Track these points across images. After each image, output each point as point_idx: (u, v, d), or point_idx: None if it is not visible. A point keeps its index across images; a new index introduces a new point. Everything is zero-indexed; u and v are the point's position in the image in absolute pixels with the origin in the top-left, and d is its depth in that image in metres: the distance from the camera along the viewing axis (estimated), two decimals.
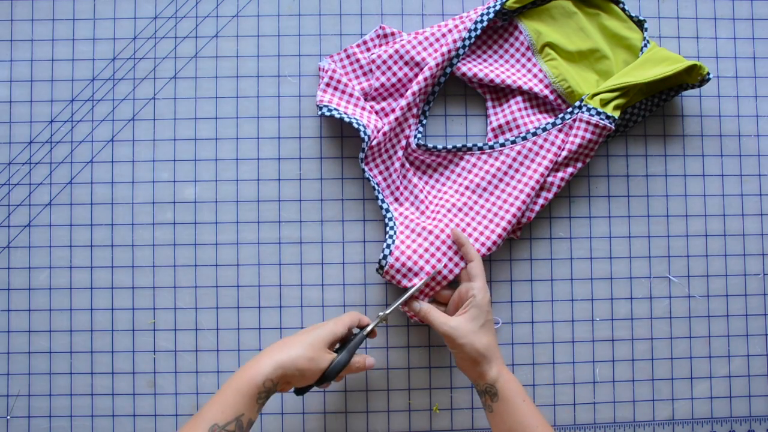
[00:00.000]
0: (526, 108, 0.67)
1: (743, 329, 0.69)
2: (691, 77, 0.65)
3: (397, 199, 0.67)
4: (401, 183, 0.66)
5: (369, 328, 0.59)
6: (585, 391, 0.68)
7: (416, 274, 0.63)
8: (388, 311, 0.60)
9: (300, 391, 0.56)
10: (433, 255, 0.63)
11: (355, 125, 0.63)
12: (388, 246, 0.64)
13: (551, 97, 0.67)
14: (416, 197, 0.66)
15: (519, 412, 0.55)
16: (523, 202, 0.64)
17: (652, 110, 0.69)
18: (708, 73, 0.64)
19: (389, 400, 0.67)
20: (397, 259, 0.62)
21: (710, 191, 0.70)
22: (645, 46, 0.66)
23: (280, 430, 0.66)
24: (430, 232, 0.63)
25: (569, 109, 0.65)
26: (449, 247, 0.63)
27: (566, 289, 0.69)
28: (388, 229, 0.65)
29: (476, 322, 0.57)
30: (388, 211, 0.66)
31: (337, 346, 0.58)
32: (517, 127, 0.66)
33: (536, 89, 0.66)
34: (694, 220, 0.70)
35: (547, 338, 0.68)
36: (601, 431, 0.68)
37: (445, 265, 0.63)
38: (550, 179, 0.65)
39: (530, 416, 0.55)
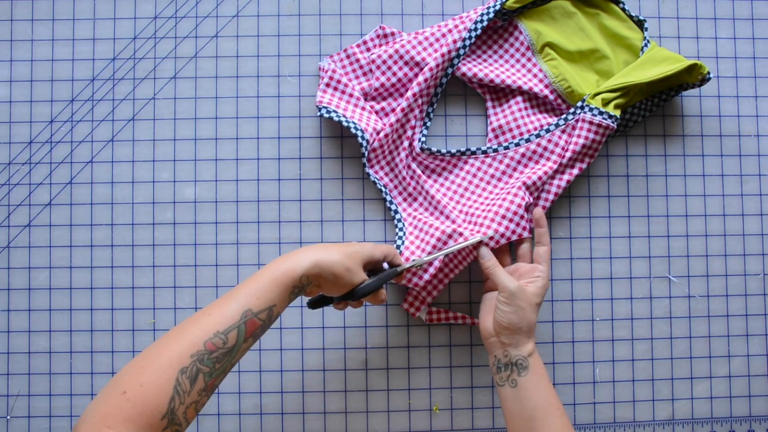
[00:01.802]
0: (526, 108, 0.67)
1: (743, 329, 0.69)
2: (691, 77, 0.65)
3: (405, 200, 0.67)
4: (408, 183, 0.66)
5: (401, 268, 0.58)
6: (585, 391, 0.68)
7: (425, 272, 0.63)
8: (426, 258, 0.59)
9: (315, 304, 0.56)
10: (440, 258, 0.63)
11: (353, 130, 0.63)
12: (398, 247, 0.64)
13: (551, 97, 0.67)
14: (425, 198, 0.66)
15: (547, 390, 0.55)
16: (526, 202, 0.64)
17: (652, 110, 0.69)
18: (708, 73, 0.64)
19: (389, 400, 0.67)
20: (407, 260, 0.63)
21: (710, 191, 0.70)
22: (645, 46, 0.66)
23: (280, 430, 0.67)
24: (434, 237, 0.63)
25: (571, 110, 0.65)
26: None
27: (566, 289, 0.69)
28: (397, 230, 0.65)
29: (536, 298, 0.58)
30: (396, 212, 0.66)
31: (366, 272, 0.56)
32: (518, 127, 0.66)
33: (536, 89, 0.66)
34: (694, 220, 0.70)
35: (547, 338, 0.68)
36: (601, 431, 0.68)
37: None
38: (556, 182, 0.65)
39: (555, 397, 0.56)
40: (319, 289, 0.53)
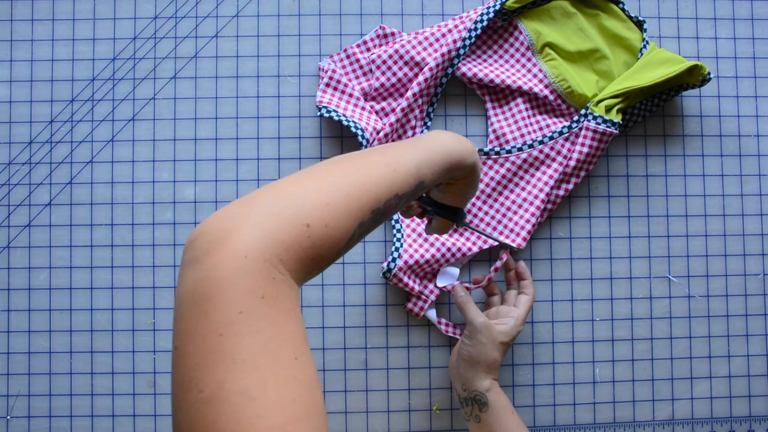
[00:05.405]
0: (526, 110, 0.67)
1: (743, 329, 0.69)
2: (691, 77, 0.65)
3: None
4: None
5: (461, 222, 0.53)
6: (585, 391, 0.68)
7: (422, 277, 0.64)
8: (473, 230, 0.58)
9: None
10: (438, 260, 0.63)
11: (353, 129, 0.63)
12: (397, 249, 0.64)
13: (551, 98, 0.67)
14: None
15: (509, 423, 0.57)
16: (531, 212, 0.64)
17: (652, 110, 0.69)
18: (709, 73, 0.64)
19: (389, 400, 0.67)
20: (405, 262, 0.63)
21: (710, 191, 0.70)
22: (644, 46, 0.66)
23: None
24: (437, 239, 0.64)
25: (575, 118, 0.65)
26: (448, 249, 0.63)
27: (566, 289, 0.69)
28: (395, 231, 0.65)
29: (502, 337, 0.58)
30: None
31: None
32: (518, 129, 0.66)
33: (536, 89, 0.66)
34: (694, 220, 0.70)
35: (547, 338, 0.68)
36: (601, 431, 0.68)
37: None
38: (561, 191, 0.65)
39: (521, 427, 0.57)
40: (450, 186, 0.47)
